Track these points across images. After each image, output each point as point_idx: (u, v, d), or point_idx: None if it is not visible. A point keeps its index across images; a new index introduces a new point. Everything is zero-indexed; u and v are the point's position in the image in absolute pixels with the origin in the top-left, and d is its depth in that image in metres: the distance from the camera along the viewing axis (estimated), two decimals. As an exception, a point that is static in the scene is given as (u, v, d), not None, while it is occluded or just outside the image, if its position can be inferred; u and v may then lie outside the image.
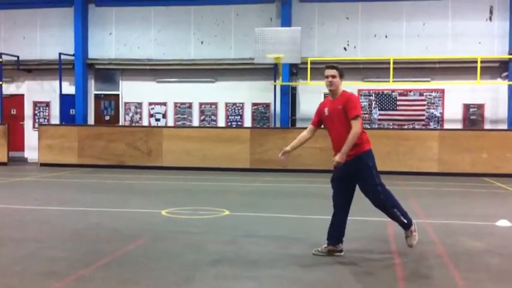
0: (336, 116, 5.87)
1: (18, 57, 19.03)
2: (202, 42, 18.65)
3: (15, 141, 18.87)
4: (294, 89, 18.28)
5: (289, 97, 18.01)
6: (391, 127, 17.47)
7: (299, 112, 18.26)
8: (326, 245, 6.09)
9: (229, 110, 18.69)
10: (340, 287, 4.98)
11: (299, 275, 5.35)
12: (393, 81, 16.41)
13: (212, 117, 18.81)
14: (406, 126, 17.49)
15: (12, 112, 19.76)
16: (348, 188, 6.05)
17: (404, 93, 17.63)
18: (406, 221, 5.94)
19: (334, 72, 5.89)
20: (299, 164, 15.54)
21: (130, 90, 19.25)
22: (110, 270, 5.43)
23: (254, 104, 18.54)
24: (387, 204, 5.89)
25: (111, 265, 5.61)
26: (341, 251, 6.06)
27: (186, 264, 5.66)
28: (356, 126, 5.67)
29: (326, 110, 6.03)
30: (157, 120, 19.06)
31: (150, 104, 19.14)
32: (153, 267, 5.51)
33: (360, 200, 6.22)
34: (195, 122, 18.84)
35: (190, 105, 18.91)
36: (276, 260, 5.84)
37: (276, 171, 15.39)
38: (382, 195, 5.84)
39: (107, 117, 19.50)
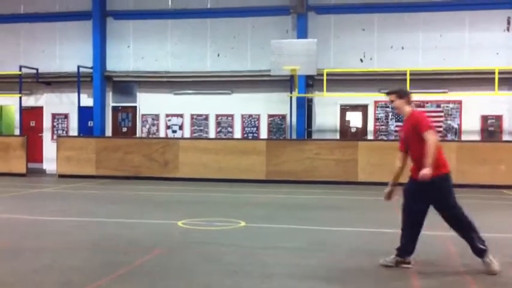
0: (411, 136, 5.88)
1: (37, 70, 19.31)
2: (218, 55, 18.77)
3: (34, 153, 19.08)
4: (310, 100, 18.28)
5: (305, 109, 18.02)
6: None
7: (315, 124, 18.24)
8: (394, 256, 5.97)
9: (246, 121, 18.73)
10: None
11: (316, 286, 5.33)
12: (411, 92, 16.30)
13: (228, 128, 18.87)
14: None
15: (31, 124, 20.02)
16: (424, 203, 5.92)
17: (422, 104, 17.53)
18: (482, 247, 5.75)
19: (391, 97, 6.09)
20: (315, 176, 15.52)
21: (147, 102, 19.41)
22: (127, 281, 5.46)
23: (270, 116, 18.57)
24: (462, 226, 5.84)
25: (127, 276, 5.63)
26: (409, 262, 5.95)
27: (202, 275, 5.67)
28: (429, 136, 5.63)
29: (403, 133, 6.13)
30: (174, 132, 19.17)
31: (167, 115, 19.26)
32: (169, 279, 5.53)
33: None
34: (212, 134, 18.91)
35: (206, 117, 18.99)
36: (292, 272, 5.82)
37: (291, 182, 15.37)
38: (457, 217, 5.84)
39: (124, 129, 19.66)
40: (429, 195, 5.79)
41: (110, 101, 19.69)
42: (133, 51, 19.36)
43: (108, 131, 19.51)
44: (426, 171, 5.50)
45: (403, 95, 6.06)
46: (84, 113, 19.14)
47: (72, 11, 19.53)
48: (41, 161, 19.58)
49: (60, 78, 19.60)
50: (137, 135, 19.21)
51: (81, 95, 19.07)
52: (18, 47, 19.88)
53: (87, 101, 19.28)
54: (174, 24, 19.09)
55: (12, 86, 19.21)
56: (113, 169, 16.67)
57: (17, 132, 19.59)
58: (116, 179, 16.24)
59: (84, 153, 16.91)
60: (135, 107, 19.53)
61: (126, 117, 19.67)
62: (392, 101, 6.11)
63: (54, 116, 20.03)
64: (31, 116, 20.00)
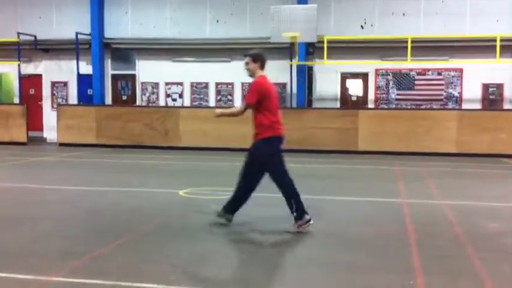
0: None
1: (35, 37, 19.12)
2: (217, 21, 18.56)
3: (34, 121, 19.05)
4: (310, 68, 18.16)
5: (306, 77, 17.92)
6: (409, 107, 17.33)
7: (316, 92, 18.17)
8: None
9: (245, 90, 18.66)
10: (334, 263, 5.01)
11: (312, 253, 5.39)
12: (411, 60, 16.22)
13: (228, 97, 18.80)
14: (424, 106, 17.32)
15: (30, 92, 19.94)
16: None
17: (422, 72, 17.43)
18: (295, 214, 6.18)
19: (247, 59, 6.38)
20: (315, 145, 15.53)
21: (146, 70, 19.29)
22: (127, 249, 5.52)
23: (271, 84, 18.45)
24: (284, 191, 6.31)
25: (128, 245, 5.70)
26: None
27: (202, 242, 5.73)
28: (240, 106, 6.37)
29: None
30: (174, 100, 19.11)
31: (167, 84, 19.17)
32: (170, 247, 5.59)
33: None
34: (212, 102, 18.85)
35: (206, 85, 18.91)
36: (290, 240, 5.89)
37: (291, 151, 15.31)
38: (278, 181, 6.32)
39: (124, 98, 19.60)
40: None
41: (109, 69, 19.57)
42: (131, 18, 19.14)
43: (108, 99, 19.45)
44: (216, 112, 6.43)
45: (257, 59, 6.34)
46: (83, 81, 19.04)
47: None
48: (41, 129, 19.58)
49: (59, 45, 19.42)
50: (137, 104, 19.16)
51: (80, 63, 18.91)
52: (15, 13, 19.64)
53: (86, 68, 19.16)
54: (172, -10, 18.83)
55: (10, 53, 19.07)
56: (113, 138, 16.67)
57: (16, 100, 19.53)
58: (117, 147, 16.25)
59: (85, 122, 16.89)
60: (135, 74, 19.42)
61: (125, 86, 19.58)
62: (247, 63, 6.37)
63: (53, 83, 19.94)
64: (30, 83, 19.91)
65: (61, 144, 16.90)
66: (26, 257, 5.21)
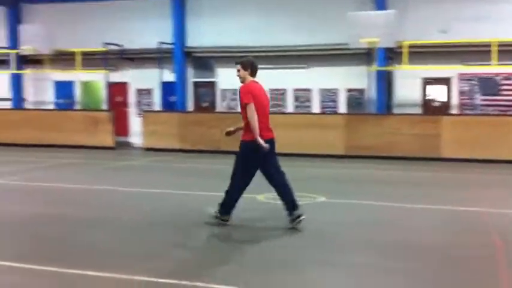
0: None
1: (121, 46, 20.04)
2: (294, 28, 18.66)
3: (121, 127, 19.93)
4: (389, 74, 17.90)
5: (386, 82, 17.67)
6: (495, 113, 16.66)
7: (396, 98, 17.87)
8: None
9: (324, 96, 18.66)
10: (435, 275, 4.95)
11: (389, 265, 5.37)
12: (496, 64, 15.62)
13: (306, 103, 18.87)
14: (510, 112, 16.60)
15: (117, 99, 20.91)
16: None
17: (509, 77, 16.72)
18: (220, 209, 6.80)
19: (237, 67, 6.84)
20: (395, 151, 15.28)
21: (226, 77, 19.70)
22: (201, 253, 5.72)
23: (349, 90, 18.37)
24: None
25: (202, 248, 5.90)
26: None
27: (278, 249, 5.84)
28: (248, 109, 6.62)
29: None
30: (251, 106, 19.38)
31: (246, 90, 19.47)
32: (242, 252, 5.74)
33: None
34: (289, 108, 18.99)
35: (284, 92, 19.08)
36: (366, 248, 5.89)
37: (370, 157, 15.22)
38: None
39: (205, 104, 20.14)
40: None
41: (191, 76, 20.18)
42: (211, 27, 19.62)
43: (190, 106, 20.05)
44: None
45: (246, 66, 6.82)
46: (166, 88, 19.77)
47: (153, -12, 20.06)
48: (127, 135, 20.46)
49: (143, 54, 20.26)
50: (217, 110, 19.63)
51: (163, 71, 19.67)
52: (103, 24, 20.60)
53: (169, 76, 19.87)
54: (250, -2, 19.16)
55: (98, 62, 20.08)
56: (195, 143, 17.14)
57: (104, 107, 20.55)
58: (198, 152, 16.69)
59: (168, 128, 17.51)
60: (215, 82, 19.92)
61: (206, 92, 20.12)
62: (238, 70, 6.83)
63: (138, 91, 20.79)
64: (117, 91, 20.87)
65: (146, 149, 17.59)
66: (115, 257, 5.53)
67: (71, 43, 19.70)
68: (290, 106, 19.03)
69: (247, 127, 6.65)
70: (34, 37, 19.35)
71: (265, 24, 19.01)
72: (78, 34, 20.40)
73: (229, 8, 19.40)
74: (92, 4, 20.68)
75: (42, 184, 10.47)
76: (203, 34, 19.68)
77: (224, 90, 19.78)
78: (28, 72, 21.29)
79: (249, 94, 6.65)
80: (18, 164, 13.68)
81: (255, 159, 6.71)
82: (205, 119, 17.54)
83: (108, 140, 18.20)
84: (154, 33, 19.76)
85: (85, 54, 19.43)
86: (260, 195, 9.02)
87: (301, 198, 8.83)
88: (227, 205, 6.84)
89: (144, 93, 20.73)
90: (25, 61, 21.09)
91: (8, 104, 21.56)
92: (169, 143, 17.36)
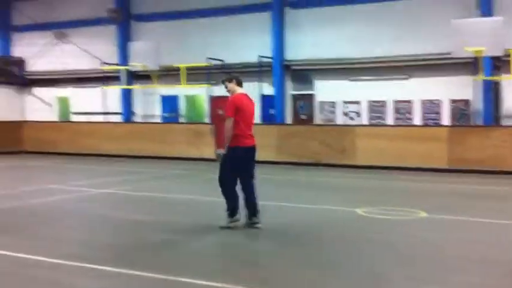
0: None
1: (223, 61, 20.71)
2: (394, 38, 18.32)
3: (222, 140, 20.46)
4: (496, 83, 17.05)
5: (492, 93, 16.84)
6: None
7: (503, 109, 16.98)
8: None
9: (426, 107, 18.12)
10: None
11: (489, 282, 5.15)
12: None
13: (407, 115, 18.42)
14: None
15: (218, 112, 21.57)
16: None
17: None
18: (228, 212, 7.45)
19: (224, 84, 7.76)
20: (503, 165, 14.53)
21: (324, 90, 19.74)
22: (299, 266, 5.78)
23: (452, 101, 17.72)
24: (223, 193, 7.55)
25: (303, 262, 5.96)
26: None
27: (375, 264, 5.79)
28: (226, 121, 7.45)
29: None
30: (351, 118, 19.27)
31: (344, 102, 19.41)
32: (342, 266, 5.74)
33: None
34: (389, 120, 18.63)
35: (383, 103, 18.76)
36: (478, 268, 5.68)
37: (476, 171, 14.55)
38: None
39: (303, 116, 20.27)
40: None
41: (289, 89, 20.41)
42: (309, 39, 19.74)
43: (288, 119, 20.28)
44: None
45: (231, 79, 7.76)
46: (266, 101, 20.15)
47: (252, 3, 20.53)
48: (227, 147, 20.97)
49: (243, 68, 20.78)
50: (315, 123, 19.68)
51: (262, 84, 20.08)
52: (205, 40, 21.41)
53: (268, 89, 20.24)
54: (349, 10, 19.04)
55: (201, 76, 20.87)
56: (293, 155, 17.30)
57: (206, 120, 21.28)
58: (296, 165, 16.83)
59: (267, 140, 17.76)
60: (313, 94, 20.01)
61: (304, 105, 20.26)
62: (226, 86, 7.77)
63: (238, 104, 21.32)
64: (218, 104, 21.53)
65: (245, 161, 17.94)
66: (211, 264, 5.76)
67: (176, 59, 20.67)
68: (390, 118, 18.67)
69: (233, 136, 7.41)
70: (143, 54, 20.51)
71: (364, 34, 18.84)
72: (183, 50, 21.37)
73: (328, 19, 19.44)
74: (196, 21, 21.56)
75: (149, 194, 11.06)
76: (302, 47, 19.86)
77: (322, 103, 19.80)
78: (137, 88, 22.57)
79: (234, 107, 7.44)
80: (127, 175, 14.54)
81: (240, 162, 7.42)
82: (304, 131, 17.66)
83: (209, 152, 18.78)
84: (254, 47, 20.24)
85: (189, 69, 20.30)
86: (359, 208, 8.96)
87: (401, 213, 8.67)
88: (232, 209, 7.48)
89: (244, 106, 21.18)
90: (134, 77, 22.41)
91: (118, 118, 22.98)
92: (267, 155, 17.59)
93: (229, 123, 7.40)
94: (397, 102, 18.56)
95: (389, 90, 18.54)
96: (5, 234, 7.15)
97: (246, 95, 7.72)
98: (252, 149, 7.56)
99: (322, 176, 14.19)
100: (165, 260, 6.01)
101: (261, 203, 9.79)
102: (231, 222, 7.44)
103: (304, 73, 20.15)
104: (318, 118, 19.85)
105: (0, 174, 15.23)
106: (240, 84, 7.76)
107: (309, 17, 19.76)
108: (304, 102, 20.23)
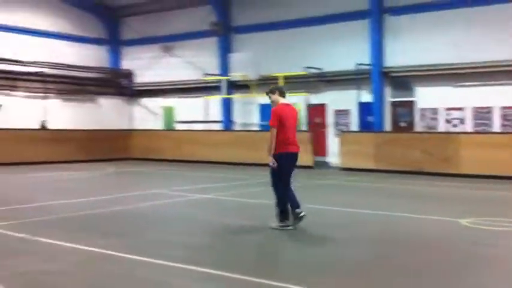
0: None
1: (321, 69, 20.78)
2: (500, 42, 17.44)
3: (319, 147, 20.56)
4: None
5: None
6: None
7: None
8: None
9: (536, 113, 17.07)
10: None
11: None
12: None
13: (515, 121, 17.45)
14: None
15: (315, 120, 21.66)
16: None
17: None
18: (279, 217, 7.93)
19: (268, 96, 8.19)
20: None
21: (425, 96, 19.20)
22: (398, 275, 5.70)
23: None
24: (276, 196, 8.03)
25: (399, 270, 5.87)
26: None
27: (479, 281, 5.58)
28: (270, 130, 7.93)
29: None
30: (455, 126, 18.56)
31: (447, 109, 18.75)
32: (439, 277, 5.58)
33: None
34: (496, 127, 17.74)
35: (490, 110, 17.90)
36: None
37: None
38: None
39: (403, 124, 19.82)
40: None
41: (388, 96, 20.06)
42: (409, 46, 19.31)
43: (387, 126, 19.92)
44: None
45: (274, 91, 8.15)
46: (364, 108, 19.95)
47: (349, 11, 20.43)
48: (325, 155, 21.03)
49: (341, 76, 20.73)
50: (415, 130, 19.18)
51: (360, 92, 19.90)
52: (304, 49, 21.58)
53: (366, 97, 20.02)
54: (452, 14, 18.40)
55: (299, 85, 21.06)
56: (392, 163, 16.97)
57: (304, 128, 21.42)
58: (395, 173, 16.49)
59: (365, 148, 17.62)
60: (413, 101, 19.51)
61: (404, 112, 19.81)
62: (269, 97, 8.17)
63: (336, 112, 21.29)
64: (316, 112, 21.62)
65: (343, 169, 17.91)
66: (311, 273, 5.83)
67: (274, 68, 21.03)
68: (497, 125, 17.77)
69: (277, 142, 7.83)
70: (242, 64, 21.10)
71: (467, 39, 18.14)
72: (281, 59, 21.70)
73: (428, 24, 18.94)
74: (294, 30, 21.82)
75: (248, 200, 11.34)
76: (401, 53, 19.47)
77: (423, 110, 19.26)
78: (237, 97, 23.19)
79: (276, 117, 7.85)
80: (228, 181, 14.98)
81: (285, 167, 7.90)
82: (403, 139, 17.28)
83: (307, 159, 18.86)
84: (352, 55, 20.11)
85: (287, 78, 20.56)
86: (463, 219, 8.65)
87: (507, 224, 8.25)
88: (284, 212, 7.92)
89: (341, 114, 21.15)
90: (234, 86, 23.06)
91: (219, 126, 23.72)
92: (366, 163, 17.43)
93: (272, 133, 7.84)
94: (504, 108, 17.65)
95: (496, 96, 17.68)
96: (114, 236, 7.66)
97: (288, 105, 8.11)
98: (294, 155, 8.04)
99: (423, 185, 13.80)
100: (265, 265, 6.16)
101: (362, 211, 9.75)
102: (281, 226, 7.89)
103: (404, 80, 19.71)
104: (419, 125, 19.32)
105: (110, 180, 16.27)
106: (282, 94, 8.13)
107: (409, 23, 19.33)
108: (404, 110, 19.78)
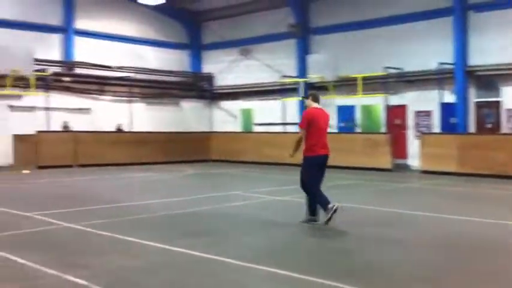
0: None
1: (401, 69, 20.33)
2: None
3: (398, 149, 20.11)
4: None
5: None
6: None
7: None
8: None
9: None
10: None
11: None
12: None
13: None
14: None
15: (395, 122, 21.21)
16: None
17: None
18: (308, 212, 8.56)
19: (304, 100, 9.14)
20: None
21: (512, 96, 18.33)
22: (475, 282, 5.52)
23: None
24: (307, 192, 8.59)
25: (475, 276, 5.68)
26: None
27: None
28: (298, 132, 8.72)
29: None
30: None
31: (537, 109, 17.80)
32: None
33: None
34: None
35: None
36: None
37: None
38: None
39: (489, 125, 19.00)
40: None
41: (473, 97, 19.30)
42: (496, 44, 18.49)
43: (471, 127, 19.18)
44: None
45: (307, 96, 8.83)
46: (446, 109, 19.32)
47: (431, 9, 19.85)
48: (405, 157, 20.54)
49: (421, 76, 20.18)
50: (502, 132, 18.34)
51: (443, 92, 19.28)
52: (383, 49, 21.18)
53: (449, 97, 19.37)
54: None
55: (378, 86, 20.72)
56: (475, 167, 16.30)
57: (383, 129, 21.06)
58: (479, 176, 15.83)
59: (447, 150, 17.05)
60: (499, 101, 18.66)
61: (489, 113, 18.99)
62: (303, 102, 9.06)
63: (417, 113, 20.74)
64: (395, 114, 21.18)
65: (423, 172, 17.42)
66: (385, 276, 5.76)
67: (352, 69, 20.82)
68: None
69: (306, 145, 8.39)
70: (320, 65, 21.06)
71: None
72: (359, 60, 21.44)
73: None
74: (373, 30, 21.51)
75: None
76: (487, 51, 18.70)
77: (510, 110, 18.38)
78: (314, 98, 23.08)
79: (306, 120, 8.41)
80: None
81: (313, 169, 8.40)
82: (488, 141, 16.57)
83: (385, 161, 18.54)
84: (434, 54, 19.57)
85: (365, 79, 20.28)
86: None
87: None
88: (312, 208, 8.47)
89: (422, 115, 20.59)
90: (311, 88, 23.00)
91: (296, 127, 23.72)
92: (448, 166, 16.86)
93: (300, 134, 8.50)
94: None
95: None
96: (193, 235, 7.90)
97: (319, 109, 8.62)
98: (323, 157, 8.47)
99: (509, 190, 13.18)
100: (339, 268, 6.15)
101: (436, 215, 9.47)
102: (309, 220, 8.49)
103: (490, 79, 18.91)
104: (505, 127, 18.46)
105: (191, 181, 16.75)
106: (315, 100, 8.66)
107: (495, 20, 18.52)
108: (490, 110, 18.96)
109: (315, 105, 8.61)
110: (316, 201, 8.39)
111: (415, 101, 20.70)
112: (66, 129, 21.72)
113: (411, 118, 20.93)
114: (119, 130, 23.49)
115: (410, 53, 20.46)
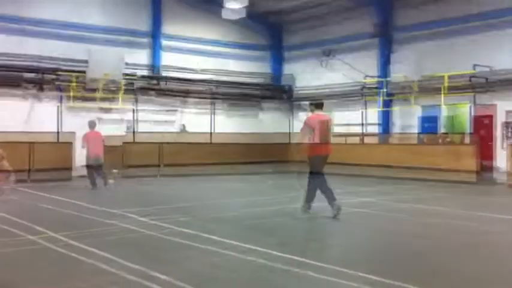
0: None
1: (491, 67, 19.23)
2: None
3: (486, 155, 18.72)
4: None
5: None
6: None
7: None
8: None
9: None
10: None
11: None
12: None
13: None
14: None
15: (484, 122, 20.06)
16: None
17: None
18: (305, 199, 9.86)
19: (310, 107, 10.29)
20: None
21: None
22: None
23: None
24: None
25: None
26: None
27: None
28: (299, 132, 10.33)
29: None
30: None
31: None
32: None
33: None
34: None
35: None
36: None
37: None
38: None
39: None
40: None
41: None
42: None
43: None
44: None
45: (311, 104, 10.23)
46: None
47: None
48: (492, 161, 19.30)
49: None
50: None
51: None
52: (472, 46, 19.92)
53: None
54: None
55: (465, 85, 19.78)
56: None
57: (469, 131, 20.02)
58: None
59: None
60: None
61: None
62: (310, 109, 10.16)
63: (508, 113, 19.49)
64: (484, 114, 20.02)
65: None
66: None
67: (437, 68, 20.08)
68: None
69: (309, 146, 9.62)
70: (404, 65, 20.49)
71: None
72: (444, 58, 20.59)
73: None
74: (458, 27, 20.58)
75: (422, 206, 11.04)
76: None
77: None
78: (397, 98, 22.52)
79: (305, 126, 9.76)
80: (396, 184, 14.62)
81: (316, 166, 9.55)
82: None
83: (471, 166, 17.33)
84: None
85: (451, 77, 19.51)
86: None
87: None
88: (309, 196, 9.70)
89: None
90: (394, 88, 22.38)
91: (375, 128, 23.24)
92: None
93: (299, 137, 10.26)
94: None
95: None
96: (279, 238, 7.93)
97: (320, 115, 9.79)
98: (325, 156, 9.70)
99: None
100: (419, 273, 5.98)
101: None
102: (303, 206, 9.75)
103: None
104: None
105: (272, 184, 16.78)
106: (318, 107, 9.95)
107: None
108: None
109: (317, 112, 9.91)
110: (314, 190, 9.57)
111: (507, 100, 19.48)
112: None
113: (502, 117, 19.57)
114: (183, 130, 23.89)
115: (502, 49, 19.23)
